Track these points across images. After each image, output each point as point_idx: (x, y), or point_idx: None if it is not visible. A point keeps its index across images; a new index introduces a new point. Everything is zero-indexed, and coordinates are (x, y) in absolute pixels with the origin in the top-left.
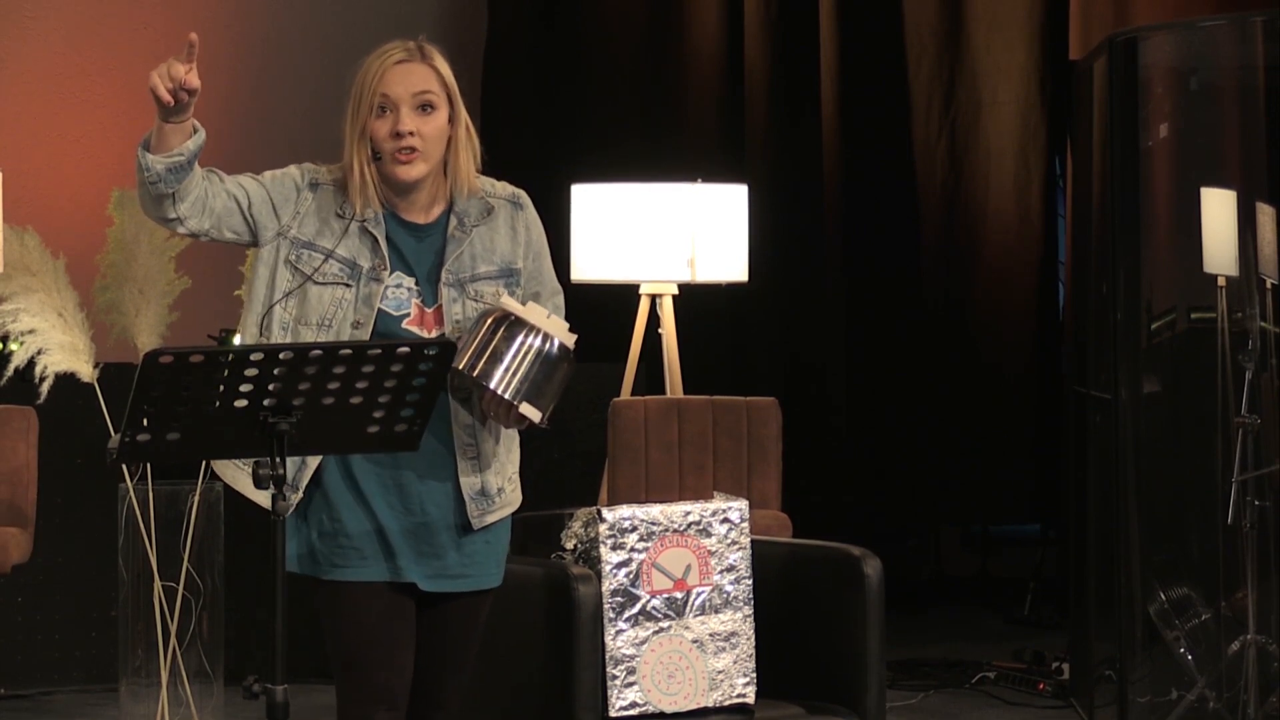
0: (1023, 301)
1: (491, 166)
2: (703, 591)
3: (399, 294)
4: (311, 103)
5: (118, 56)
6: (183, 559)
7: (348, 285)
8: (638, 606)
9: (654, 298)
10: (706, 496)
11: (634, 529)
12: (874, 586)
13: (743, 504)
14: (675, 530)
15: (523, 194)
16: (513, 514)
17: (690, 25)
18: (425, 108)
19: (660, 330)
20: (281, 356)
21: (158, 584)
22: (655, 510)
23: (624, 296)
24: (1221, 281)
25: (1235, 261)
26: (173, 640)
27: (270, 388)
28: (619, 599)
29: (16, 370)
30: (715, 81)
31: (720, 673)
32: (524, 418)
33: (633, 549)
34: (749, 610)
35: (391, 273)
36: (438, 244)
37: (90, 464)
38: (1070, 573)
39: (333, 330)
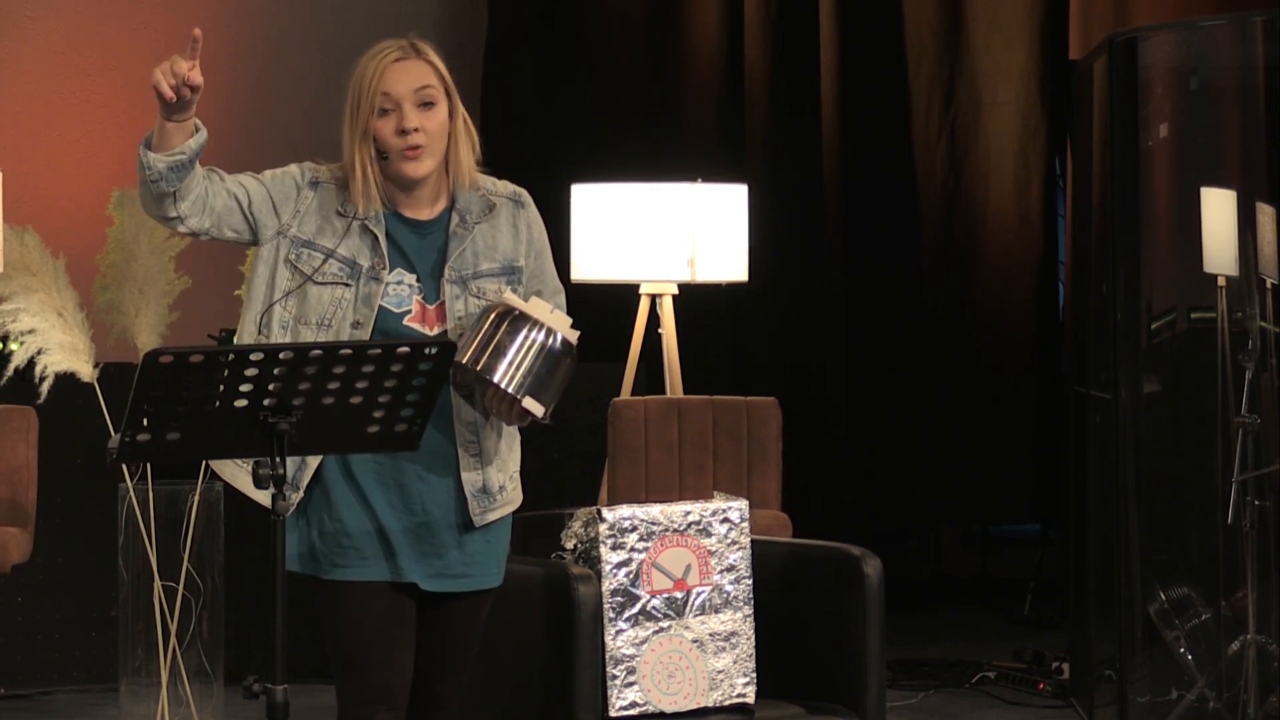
0: (1023, 301)
1: (491, 166)
2: (703, 591)
3: (400, 291)
4: (311, 103)
5: (118, 56)
6: (183, 559)
7: (347, 285)
8: (638, 606)
9: (654, 298)
10: (706, 496)
11: (634, 529)
12: (874, 586)
13: (743, 504)
14: (675, 530)
15: (524, 193)
16: (513, 514)
17: (690, 25)
18: (426, 104)
19: (660, 330)
20: (281, 356)
21: (158, 584)
22: (655, 510)
23: (624, 296)
24: (1221, 281)
25: (1235, 261)
26: (173, 640)
27: (270, 388)
28: (619, 599)
29: (16, 370)
30: (715, 81)
31: (720, 673)
32: (526, 414)
33: (633, 549)
34: (749, 610)
35: (392, 270)
36: (440, 241)
37: (90, 464)
38: (1070, 573)
39: (332, 330)
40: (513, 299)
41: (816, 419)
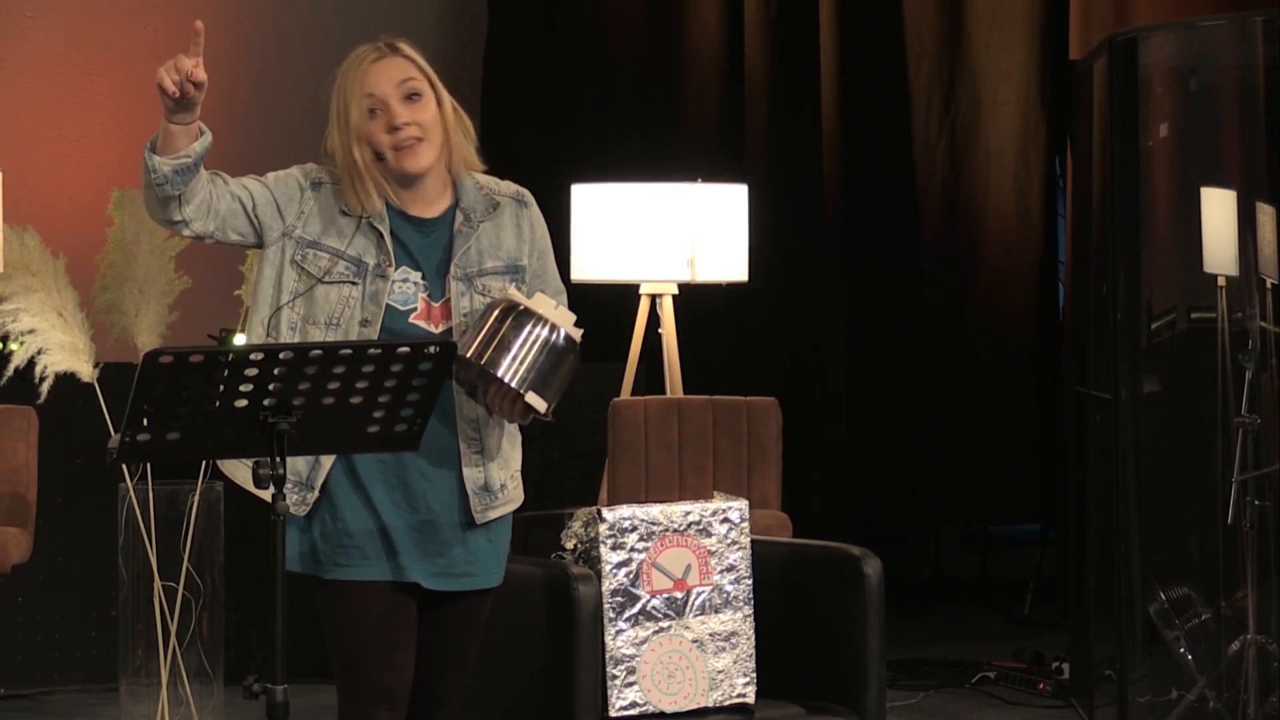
0: (1023, 301)
1: (491, 166)
2: (703, 591)
3: (405, 289)
4: (311, 103)
5: (118, 56)
6: (183, 559)
7: (354, 283)
8: (638, 606)
9: (654, 298)
10: (706, 496)
11: (634, 529)
12: (874, 586)
13: (743, 504)
14: (675, 530)
15: (527, 193)
16: (513, 513)
17: (690, 25)
18: (412, 96)
19: (660, 330)
20: (281, 356)
21: (158, 584)
22: (655, 510)
23: (624, 296)
24: (1221, 281)
25: (1235, 261)
26: (173, 640)
27: (270, 387)
28: (619, 599)
29: (16, 370)
30: (715, 81)
31: (720, 672)
32: (529, 411)
33: (633, 549)
34: (749, 610)
35: (397, 267)
36: (444, 239)
37: (90, 464)
38: (1070, 573)
39: (341, 329)
40: (516, 295)
41: (816, 419)
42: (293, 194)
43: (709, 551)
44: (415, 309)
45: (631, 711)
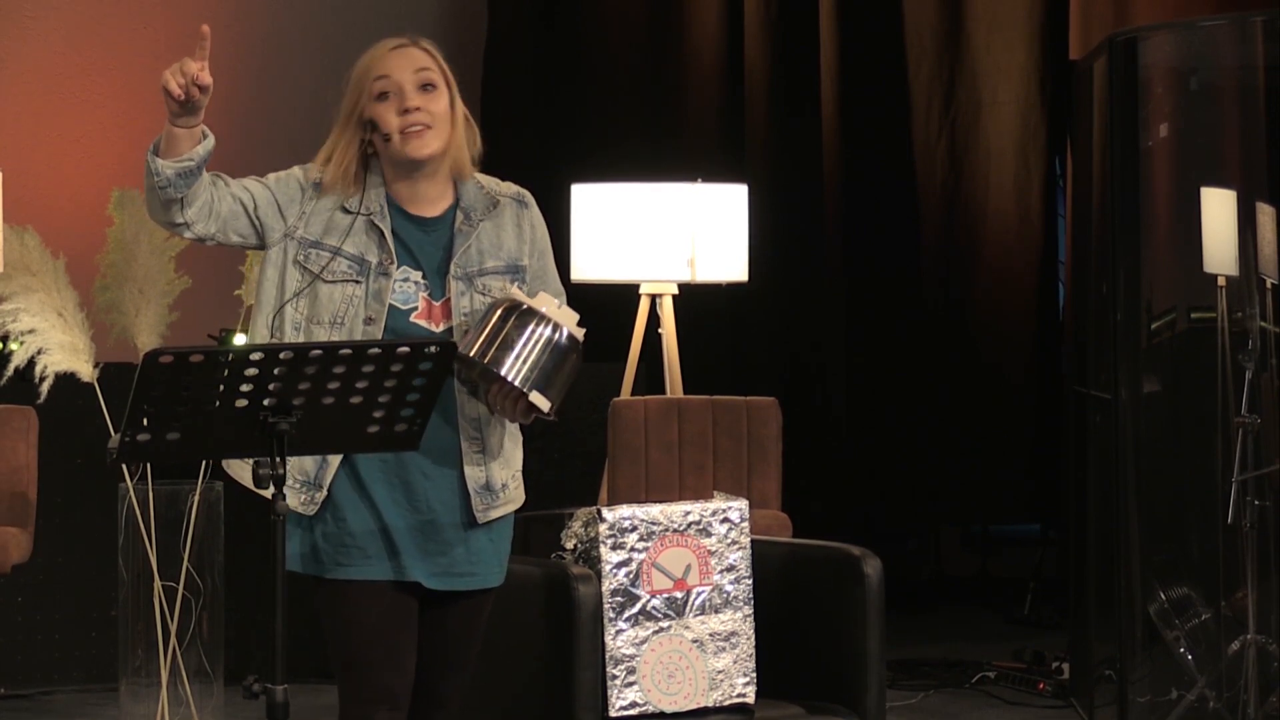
0: (1023, 301)
1: (491, 166)
2: (703, 591)
3: (406, 288)
4: (311, 103)
5: (118, 56)
6: (183, 559)
7: (357, 282)
8: (638, 606)
9: (654, 298)
10: (706, 496)
11: (634, 529)
12: (874, 586)
13: (743, 504)
14: (675, 530)
15: (528, 194)
16: (514, 513)
17: (690, 25)
18: (427, 87)
19: (660, 330)
20: (281, 356)
21: (158, 584)
22: (655, 510)
23: (624, 296)
24: (1221, 281)
25: (1235, 261)
26: (173, 640)
27: (270, 388)
28: (619, 599)
29: (16, 370)
30: (715, 81)
31: (720, 672)
32: (531, 410)
33: (633, 549)
34: (749, 610)
35: (399, 267)
36: (444, 238)
37: (90, 464)
38: (1070, 573)
39: (345, 328)
40: (519, 294)
41: (816, 419)
42: (294, 194)
43: (709, 551)
44: (416, 308)
45: (631, 711)
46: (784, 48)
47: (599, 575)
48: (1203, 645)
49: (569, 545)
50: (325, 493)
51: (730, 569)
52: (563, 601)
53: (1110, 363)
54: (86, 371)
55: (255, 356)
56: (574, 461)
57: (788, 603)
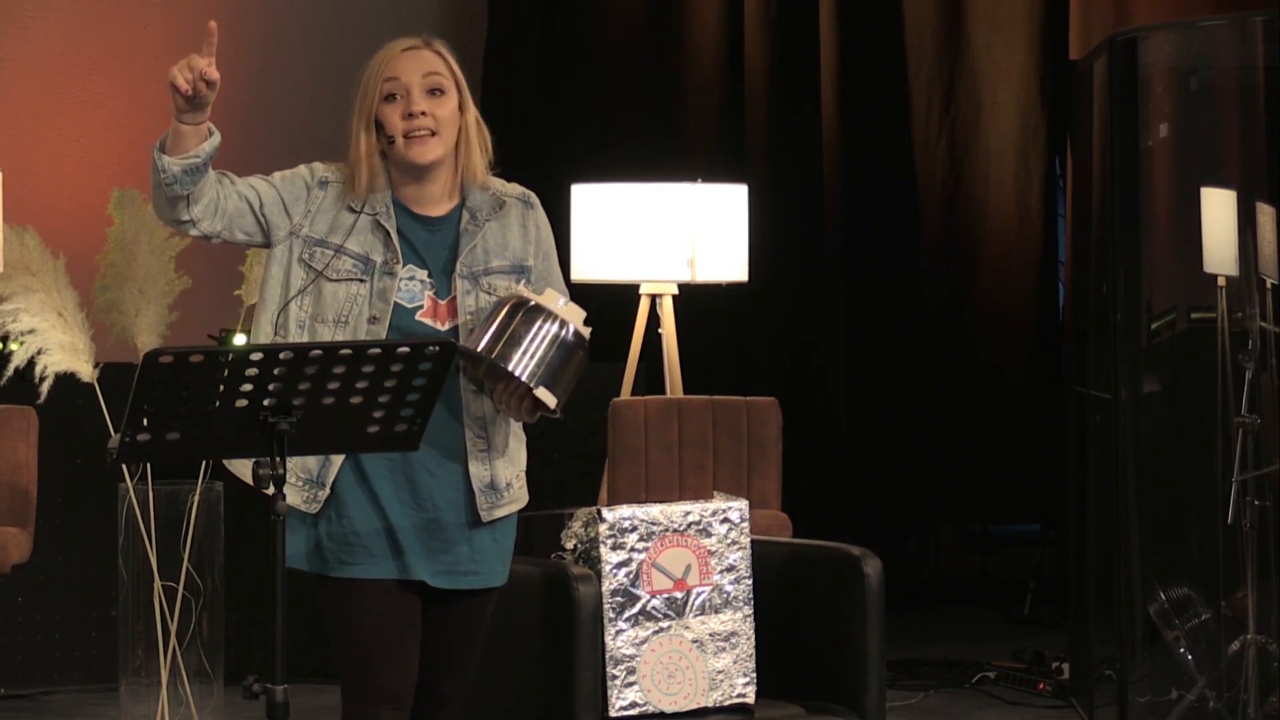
0: (1023, 301)
1: (491, 166)
2: (703, 591)
3: (412, 286)
4: (311, 103)
5: (118, 56)
6: (183, 559)
7: (361, 280)
8: (638, 606)
9: (654, 298)
10: (706, 496)
11: (634, 529)
12: (874, 586)
13: (743, 504)
14: (675, 530)
15: (533, 194)
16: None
17: (690, 25)
18: (435, 91)
19: (660, 330)
20: (281, 356)
21: (158, 584)
22: (655, 510)
23: (624, 296)
24: (1221, 281)
25: (1235, 261)
26: (173, 640)
27: (270, 388)
28: (619, 599)
29: (16, 370)
30: (715, 81)
31: (720, 673)
32: (536, 408)
33: (633, 549)
34: (749, 610)
35: (404, 265)
36: (450, 237)
37: (90, 464)
38: (1070, 573)
39: (349, 326)
40: (526, 291)
41: (816, 419)
42: (299, 193)
43: (709, 551)
44: (422, 306)
45: (631, 711)
46: (784, 48)
47: (599, 575)
48: (1203, 645)
49: (569, 545)
50: (329, 491)
51: (730, 569)
52: (563, 601)
53: (1110, 363)
54: (86, 371)
55: (255, 356)
56: (574, 461)
57: (788, 603)
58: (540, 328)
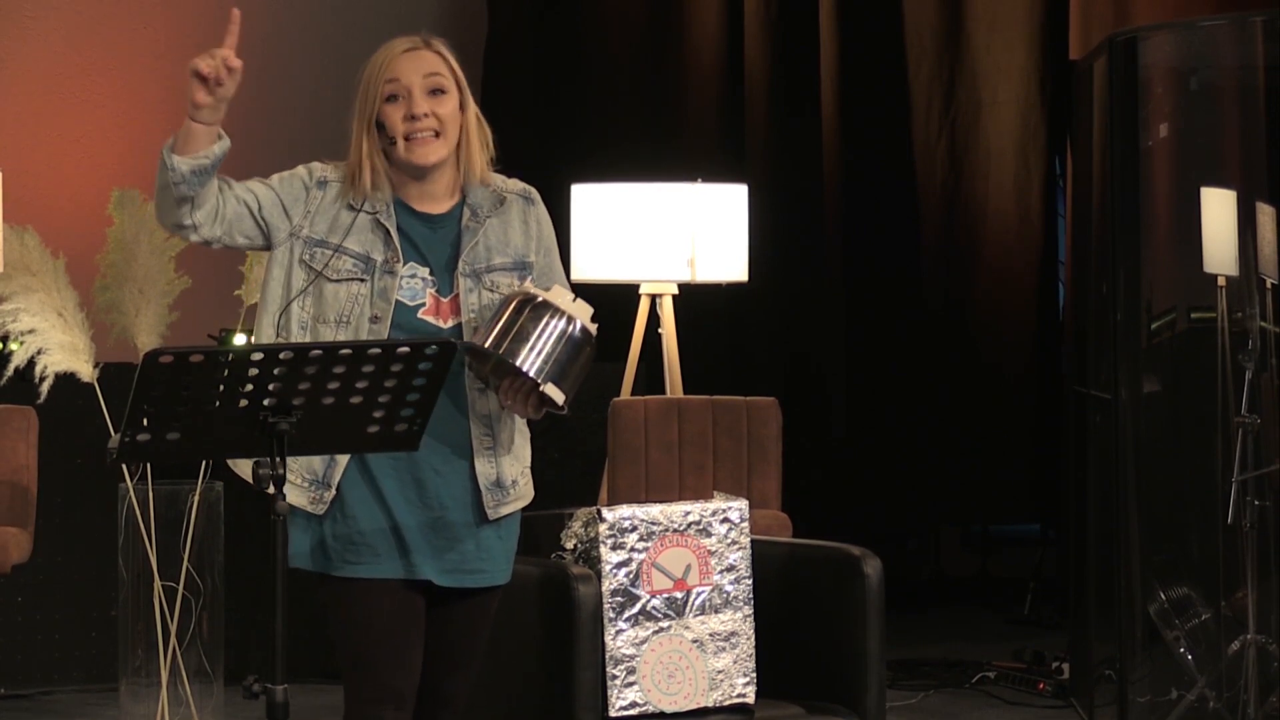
0: (1023, 301)
1: (493, 163)
2: (703, 591)
3: (414, 284)
4: (311, 103)
5: (118, 56)
6: (183, 559)
7: (362, 280)
8: (638, 606)
9: (654, 298)
10: (706, 496)
11: (634, 529)
12: (874, 586)
13: (743, 504)
14: (675, 530)
15: (534, 191)
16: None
17: (690, 25)
18: (436, 91)
19: (660, 330)
20: (281, 356)
21: (158, 584)
22: (655, 510)
23: (624, 296)
24: (1221, 281)
25: (1235, 261)
26: (173, 640)
27: (270, 388)
28: (619, 599)
29: (16, 370)
30: (715, 81)
31: (720, 672)
32: (543, 405)
33: (633, 549)
34: (749, 610)
35: (405, 263)
36: (452, 235)
37: (90, 464)
38: (1070, 573)
39: (351, 326)
40: (533, 287)
41: (816, 419)
42: (298, 194)
43: (709, 551)
44: (424, 304)
45: (631, 711)
46: (784, 48)
47: (599, 575)
48: (1203, 645)
49: (569, 545)
50: (334, 492)
51: (730, 569)
52: (563, 601)
53: (1110, 363)
54: (86, 371)
55: (255, 357)
56: (574, 461)
57: (788, 603)
58: (548, 324)
